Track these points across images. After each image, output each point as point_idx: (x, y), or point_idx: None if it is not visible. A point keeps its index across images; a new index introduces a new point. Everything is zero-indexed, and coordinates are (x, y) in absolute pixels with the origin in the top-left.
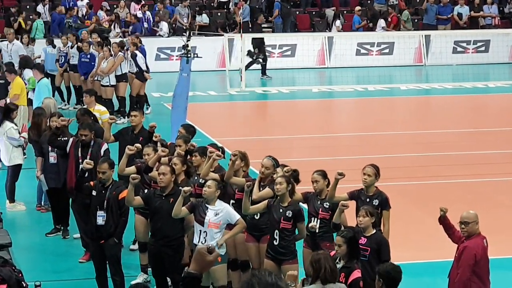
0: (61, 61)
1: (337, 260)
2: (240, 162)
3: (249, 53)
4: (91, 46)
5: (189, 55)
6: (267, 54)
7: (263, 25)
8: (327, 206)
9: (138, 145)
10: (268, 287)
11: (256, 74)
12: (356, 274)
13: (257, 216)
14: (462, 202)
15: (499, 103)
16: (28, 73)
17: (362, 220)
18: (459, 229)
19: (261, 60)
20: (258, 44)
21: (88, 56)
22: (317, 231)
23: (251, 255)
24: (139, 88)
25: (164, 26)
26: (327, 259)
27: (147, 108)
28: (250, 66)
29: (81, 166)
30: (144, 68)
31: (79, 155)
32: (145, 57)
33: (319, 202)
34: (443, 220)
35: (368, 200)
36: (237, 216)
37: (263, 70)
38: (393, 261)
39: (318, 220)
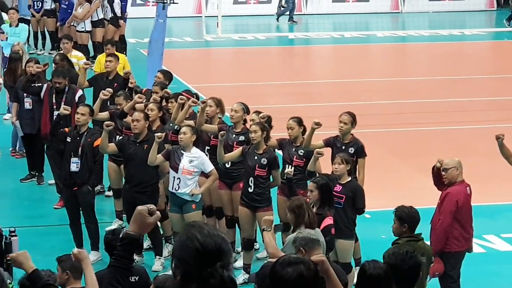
0: (36, 6)
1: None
2: (216, 108)
3: None
4: None
5: (165, 1)
6: None
7: None
8: (302, 154)
9: (110, 89)
10: (309, 241)
11: (233, 21)
12: (328, 221)
13: (228, 164)
14: (438, 150)
15: (476, 50)
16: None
17: (338, 167)
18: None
19: None
20: None
21: (66, 3)
22: (292, 177)
23: (224, 202)
24: (113, 34)
25: None
26: (308, 205)
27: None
28: None
29: (56, 112)
30: (119, 14)
31: (53, 101)
32: (126, 3)
33: (293, 149)
34: (437, 171)
35: (343, 147)
36: (211, 167)
37: None
38: (368, 208)
39: (293, 167)
